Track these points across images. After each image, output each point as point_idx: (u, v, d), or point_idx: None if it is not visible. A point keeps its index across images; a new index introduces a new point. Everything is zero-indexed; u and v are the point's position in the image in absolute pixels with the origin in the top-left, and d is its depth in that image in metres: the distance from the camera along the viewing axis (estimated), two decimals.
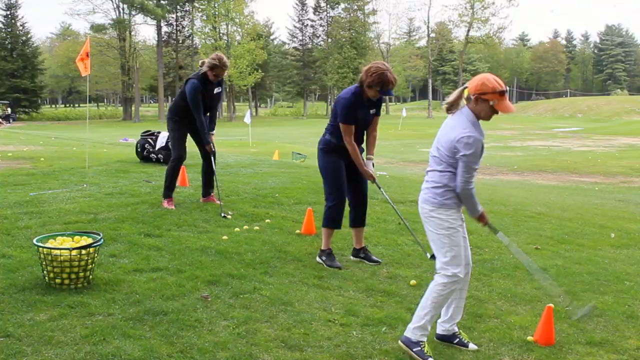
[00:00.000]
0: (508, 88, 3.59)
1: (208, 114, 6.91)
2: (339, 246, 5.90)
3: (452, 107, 3.70)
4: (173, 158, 6.97)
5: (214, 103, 6.93)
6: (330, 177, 5.41)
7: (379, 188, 5.52)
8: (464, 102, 3.66)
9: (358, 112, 5.21)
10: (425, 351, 3.66)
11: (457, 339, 3.90)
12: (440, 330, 3.96)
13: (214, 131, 7.10)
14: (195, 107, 6.65)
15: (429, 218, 3.76)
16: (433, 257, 4.87)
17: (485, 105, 3.56)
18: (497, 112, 3.58)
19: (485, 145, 3.71)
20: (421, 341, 3.68)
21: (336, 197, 5.41)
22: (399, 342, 3.74)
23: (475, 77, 3.67)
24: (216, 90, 6.85)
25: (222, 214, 6.71)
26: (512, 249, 4.16)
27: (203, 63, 6.74)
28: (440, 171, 3.69)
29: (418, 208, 3.85)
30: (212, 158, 7.09)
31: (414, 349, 3.65)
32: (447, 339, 3.93)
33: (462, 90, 3.65)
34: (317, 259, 5.46)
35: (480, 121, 3.64)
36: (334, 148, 5.36)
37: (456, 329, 3.94)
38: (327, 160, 5.41)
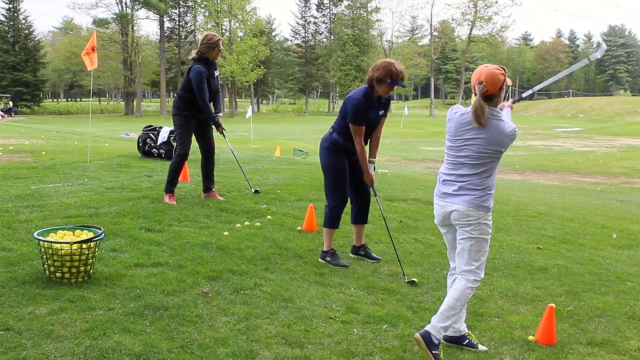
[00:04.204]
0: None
1: (211, 103, 6.95)
2: (340, 243, 5.88)
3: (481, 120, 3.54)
4: (178, 153, 6.95)
5: (217, 86, 7.01)
6: (335, 177, 5.36)
7: (375, 195, 5.51)
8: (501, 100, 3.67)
9: (369, 113, 5.18)
10: (442, 357, 3.56)
11: (467, 340, 3.84)
12: (449, 331, 3.86)
13: (221, 113, 7.20)
14: (202, 91, 6.69)
15: (478, 224, 3.61)
16: (412, 282, 4.97)
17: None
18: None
19: None
20: (439, 344, 3.55)
21: (339, 198, 5.37)
22: (417, 334, 3.53)
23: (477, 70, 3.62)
24: (216, 73, 6.98)
25: (254, 190, 7.80)
26: None
27: (199, 52, 6.75)
28: (478, 174, 3.61)
29: (454, 215, 3.65)
30: (213, 152, 7.19)
31: (433, 351, 3.49)
32: (457, 340, 3.86)
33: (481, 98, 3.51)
34: (321, 260, 5.41)
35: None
36: (340, 148, 5.32)
37: (466, 330, 3.86)
38: (332, 159, 5.35)
